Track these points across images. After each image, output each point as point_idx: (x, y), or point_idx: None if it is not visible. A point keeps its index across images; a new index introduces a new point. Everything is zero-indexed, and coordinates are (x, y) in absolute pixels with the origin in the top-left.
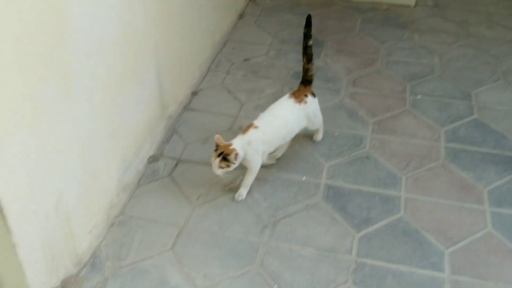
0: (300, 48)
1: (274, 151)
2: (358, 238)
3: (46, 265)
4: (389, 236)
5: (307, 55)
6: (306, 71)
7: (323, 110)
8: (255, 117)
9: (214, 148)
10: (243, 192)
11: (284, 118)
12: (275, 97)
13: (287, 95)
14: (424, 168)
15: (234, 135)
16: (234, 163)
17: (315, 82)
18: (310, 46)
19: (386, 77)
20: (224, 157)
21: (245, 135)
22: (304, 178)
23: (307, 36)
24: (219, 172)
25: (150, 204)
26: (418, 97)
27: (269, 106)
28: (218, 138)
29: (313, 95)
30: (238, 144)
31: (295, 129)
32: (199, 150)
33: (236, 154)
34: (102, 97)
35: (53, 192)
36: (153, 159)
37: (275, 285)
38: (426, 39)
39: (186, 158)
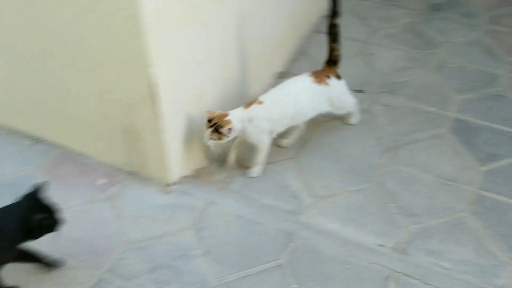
0: None
1: (285, 132)
2: (482, 172)
3: (184, 154)
4: None
5: (332, 34)
6: (331, 50)
7: (455, 46)
8: (385, 45)
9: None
10: (256, 169)
11: (294, 95)
12: (409, 27)
13: (307, 73)
14: None
15: (362, 61)
16: (228, 136)
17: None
18: (336, 25)
19: None
20: (217, 128)
21: (246, 110)
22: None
23: (334, 13)
24: (210, 143)
25: None
26: None
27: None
28: (208, 112)
29: (338, 77)
30: (235, 116)
31: (309, 111)
32: None
33: (230, 129)
34: (247, 8)
35: (197, 91)
36: (281, 75)
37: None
38: None
39: None
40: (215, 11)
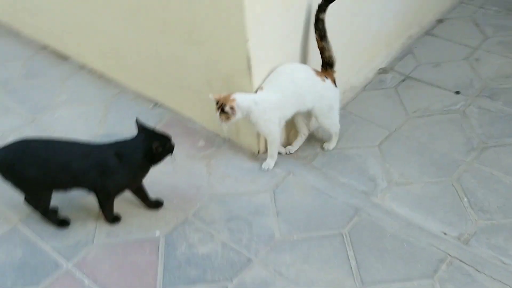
0: None
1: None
2: None
3: None
4: None
5: (319, 30)
6: (321, 50)
7: None
8: (495, 52)
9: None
10: (270, 162)
11: (294, 79)
12: None
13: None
14: None
15: (468, 65)
16: (234, 115)
17: None
18: (322, 20)
19: None
20: (223, 108)
21: (252, 94)
22: None
23: (321, 8)
24: (223, 125)
25: (369, 107)
26: None
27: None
28: (214, 95)
29: (334, 83)
30: (240, 97)
31: (308, 98)
32: (429, 71)
33: (233, 107)
34: (351, 2)
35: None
36: (383, 70)
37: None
38: None
39: (414, 76)
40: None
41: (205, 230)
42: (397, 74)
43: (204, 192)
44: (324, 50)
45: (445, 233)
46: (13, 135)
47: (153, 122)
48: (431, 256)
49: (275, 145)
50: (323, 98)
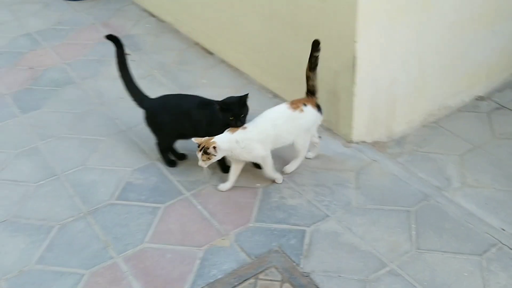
0: None
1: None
2: None
3: (367, 123)
4: None
5: (311, 63)
6: (307, 78)
7: None
8: None
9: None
10: (278, 176)
11: (271, 120)
12: None
13: (285, 103)
14: None
15: None
16: (215, 155)
17: None
18: (316, 57)
19: None
20: (205, 150)
21: (232, 133)
22: None
23: (315, 48)
24: (203, 164)
25: (459, 124)
26: None
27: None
28: (196, 139)
29: (317, 106)
30: (220, 138)
31: (287, 135)
32: None
33: (214, 147)
34: (458, 28)
35: (389, 76)
36: (480, 98)
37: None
38: None
39: (510, 107)
40: (424, 16)
41: (295, 189)
42: (493, 103)
43: (301, 164)
44: (309, 79)
45: (503, 229)
46: None
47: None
48: (484, 240)
49: (268, 166)
50: (301, 125)
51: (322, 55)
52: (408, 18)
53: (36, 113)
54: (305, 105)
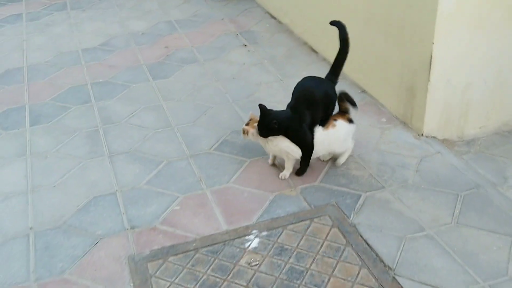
0: None
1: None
2: None
3: (439, 120)
4: None
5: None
6: (340, 106)
7: None
8: None
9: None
10: (286, 173)
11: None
12: None
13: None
14: None
15: None
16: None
17: None
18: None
19: None
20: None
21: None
22: None
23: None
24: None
25: None
26: None
27: None
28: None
29: (349, 120)
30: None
31: (321, 151)
32: None
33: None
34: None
35: (465, 80)
36: None
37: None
38: None
39: None
40: (506, 29)
41: (361, 164)
42: None
43: (370, 146)
44: (342, 106)
45: None
46: (265, 86)
47: (357, 102)
48: None
49: (291, 162)
50: (338, 138)
51: (405, 54)
52: (489, 29)
53: (164, 81)
54: (335, 120)
